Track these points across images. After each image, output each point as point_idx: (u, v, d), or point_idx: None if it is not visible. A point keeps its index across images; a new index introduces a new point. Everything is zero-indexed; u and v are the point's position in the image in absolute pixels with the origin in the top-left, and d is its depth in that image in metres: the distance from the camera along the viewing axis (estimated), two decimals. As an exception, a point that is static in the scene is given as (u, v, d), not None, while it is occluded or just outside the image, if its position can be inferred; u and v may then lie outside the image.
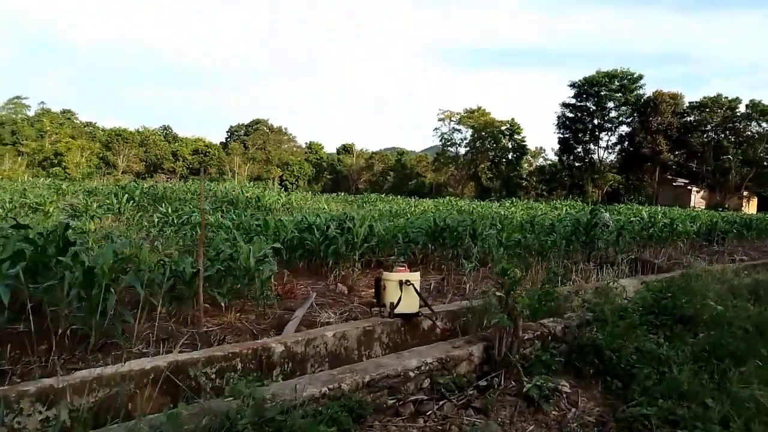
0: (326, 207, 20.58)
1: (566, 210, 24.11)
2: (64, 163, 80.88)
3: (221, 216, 12.17)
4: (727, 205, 59.24)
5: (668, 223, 16.04)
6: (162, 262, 5.79)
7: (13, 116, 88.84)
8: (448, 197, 37.61)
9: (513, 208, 25.11)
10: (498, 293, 4.86)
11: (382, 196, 36.14)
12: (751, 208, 64.73)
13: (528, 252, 11.39)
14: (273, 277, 8.02)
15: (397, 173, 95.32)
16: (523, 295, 4.69)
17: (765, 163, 66.24)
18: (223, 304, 6.33)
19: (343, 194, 41.34)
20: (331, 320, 6.48)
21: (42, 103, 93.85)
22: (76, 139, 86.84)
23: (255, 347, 4.28)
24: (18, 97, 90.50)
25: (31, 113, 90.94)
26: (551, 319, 5.99)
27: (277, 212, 18.72)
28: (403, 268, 5.64)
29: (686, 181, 68.38)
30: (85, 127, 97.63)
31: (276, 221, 9.92)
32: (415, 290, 5.42)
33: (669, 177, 69.26)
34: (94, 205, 14.49)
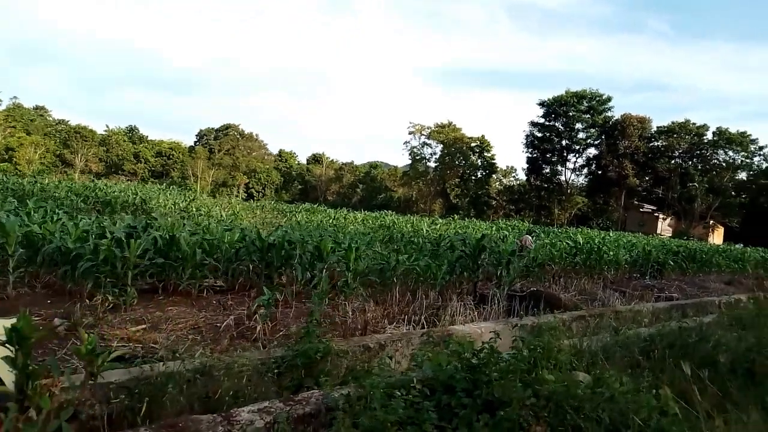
0: (221, 213, 18.13)
1: (495, 230, 21.97)
2: (15, 159, 77.14)
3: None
4: (692, 234, 58.11)
5: (595, 250, 13.96)
6: None
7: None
8: (382, 211, 35.37)
9: (438, 226, 22.93)
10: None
11: (318, 207, 33.69)
12: (717, 238, 63.69)
13: (399, 279, 9.16)
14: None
15: (366, 186, 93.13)
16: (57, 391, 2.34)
17: (732, 193, 65.49)
18: None
19: (284, 204, 38.80)
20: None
21: (14, 97, 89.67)
22: (32, 134, 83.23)
23: None
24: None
25: (2, 108, 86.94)
26: (266, 403, 3.68)
27: (168, 218, 16.25)
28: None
29: (653, 208, 67.30)
30: (57, 124, 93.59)
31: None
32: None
33: (636, 202, 68.15)
34: None
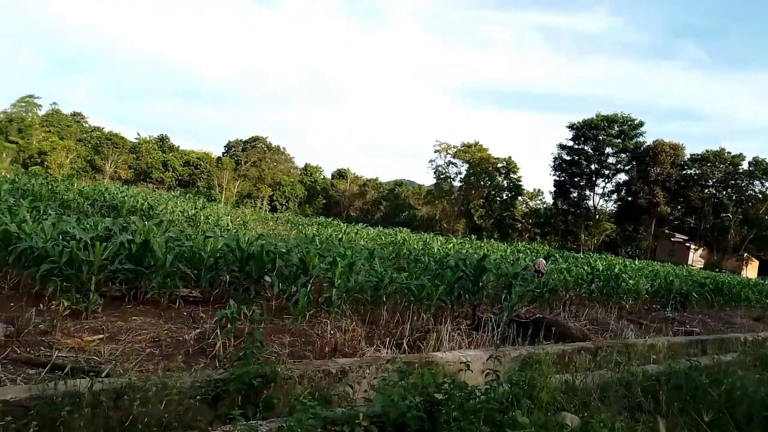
0: (228, 222, 17.80)
1: (510, 252, 21.16)
2: (46, 163, 78.72)
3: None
4: (724, 267, 55.87)
5: (612, 277, 13.15)
6: None
7: (23, 114, 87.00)
8: (397, 228, 34.78)
9: (451, 246, 22.23)
10: None
11: (332, 221, 33.21)
12: (750, 271, 61.09)
13: (391, 299, 8.58)
14: None
15: (390, 203, 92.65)
16: None
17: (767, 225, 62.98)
18: None
19: (300, 216, 38.48)
20: None
21: (54, 103, 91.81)
22: (65, 139, 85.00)
23: None
24: (31, 96, 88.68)
25: (42, 113, 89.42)
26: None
27: (174, 225, 16.00)
28: None
29: (685, 238, 65.05)
30: (92, 131, 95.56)
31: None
32: None
33: (667, 231, 65.98)
34: None
